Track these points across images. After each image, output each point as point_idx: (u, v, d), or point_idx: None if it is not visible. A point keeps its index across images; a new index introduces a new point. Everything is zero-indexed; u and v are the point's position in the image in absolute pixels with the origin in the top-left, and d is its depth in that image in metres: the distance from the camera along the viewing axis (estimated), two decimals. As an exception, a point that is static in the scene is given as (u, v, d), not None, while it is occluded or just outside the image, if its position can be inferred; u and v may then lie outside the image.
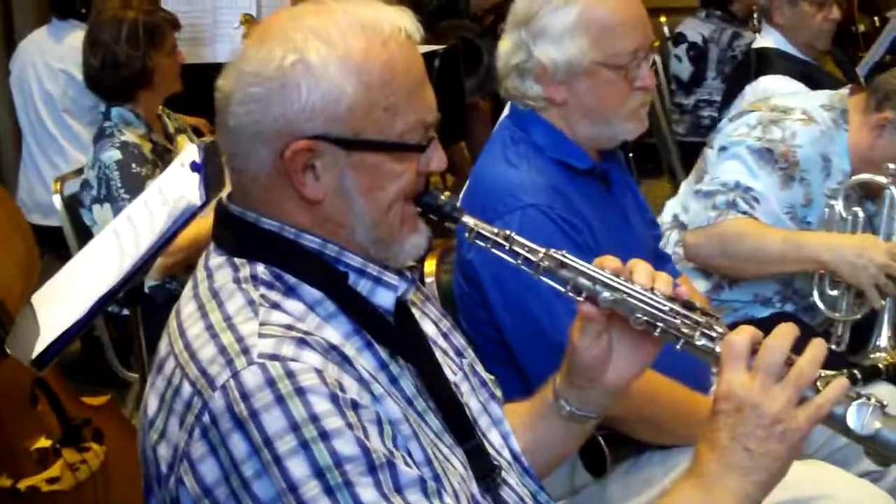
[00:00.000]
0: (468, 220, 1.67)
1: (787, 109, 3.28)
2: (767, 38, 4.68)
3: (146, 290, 3.73)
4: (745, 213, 3.11)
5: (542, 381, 1.93)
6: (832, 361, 2.89)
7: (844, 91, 3.38)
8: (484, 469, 1.71)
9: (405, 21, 1.64)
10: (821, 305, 3.19)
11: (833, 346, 3.16)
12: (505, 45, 2.55)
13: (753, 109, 3.39)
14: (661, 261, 2.74)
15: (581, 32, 2.43)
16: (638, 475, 2.51)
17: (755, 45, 4.77)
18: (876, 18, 7.23)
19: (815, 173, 3.24)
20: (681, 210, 3.46)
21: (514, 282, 2.34)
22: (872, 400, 1.56)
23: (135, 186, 3.70)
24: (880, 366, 3.03)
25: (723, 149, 3.29)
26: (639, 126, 2.55)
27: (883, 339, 3.09)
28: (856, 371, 2.80)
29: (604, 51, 2.44)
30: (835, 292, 3.18)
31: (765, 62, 4.59)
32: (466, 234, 1.68)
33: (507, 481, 1.76)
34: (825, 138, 3.26)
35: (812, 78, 4.47)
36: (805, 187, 3.24)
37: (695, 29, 5.55)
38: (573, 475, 2.52)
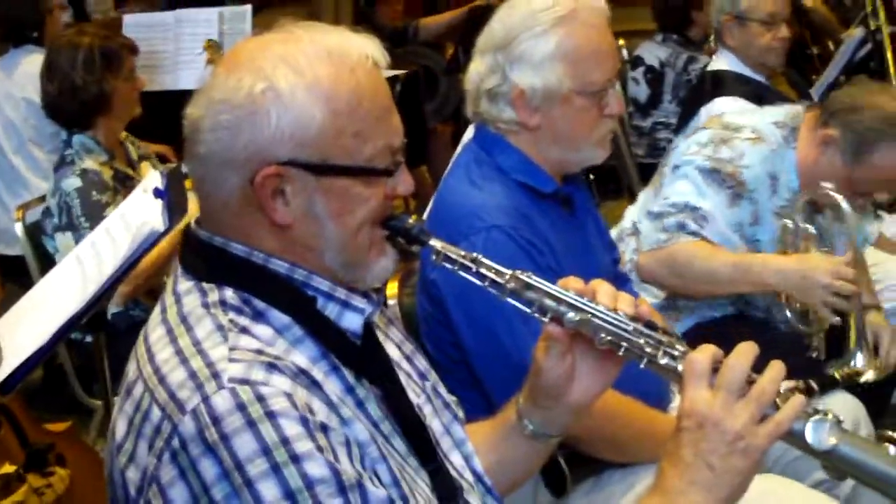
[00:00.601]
0: (435, 243, 1.69)
1: (738, 128, 3.32)
2: (722, 61, 4.73)
3: (108, 317, 3.71)
4: (693, 233, 3.16)
5: (505, 400, 1.95)
6: (812, 369, 2.96)
7: (800, 108, 3.42)
8: (446, 490, 1.72)
9: (372, 48, 1.66)
10: (791, 319, 3.24)
11: (813, 355, 3.23)
12: (478, 68, 2.56)
13: (707, 127, 3.44)
14: (619, 282, 2.77)
15: (560, 60, 2.46)
16: (599, 494, 2.53)
17: (710, 68, 4.83)
18: (829, 42, 7.33)
19: (763, 191, 3.29)
20: (640, 218, 3.51)
21: (477, 302, 2.35)
22: (830, 416, 1.58)
23: (95, 214, 3.69)
24: (837, 376, 3.09)
25: (675, 167, 3.34)
26: (605, 152, 2.60)
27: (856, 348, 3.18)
28: (812, 382, 2.84)
29: (581, 79, 2.47)
30: (798, 305, 3.23)
31: (719, 84, 4.64)
32: (434, 257, 1.69)
33: (468, 501, 1.77)
34: (774, 156, 3.29)
35: (765, 99, 4.52)
36: (753, 205, 3.28)
37: (651, 52, 5.60)
38: (536, 495, 2.54)
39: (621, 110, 2.61)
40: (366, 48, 1.65)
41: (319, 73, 1.60)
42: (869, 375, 3.20)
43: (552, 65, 2.46)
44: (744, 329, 3.28)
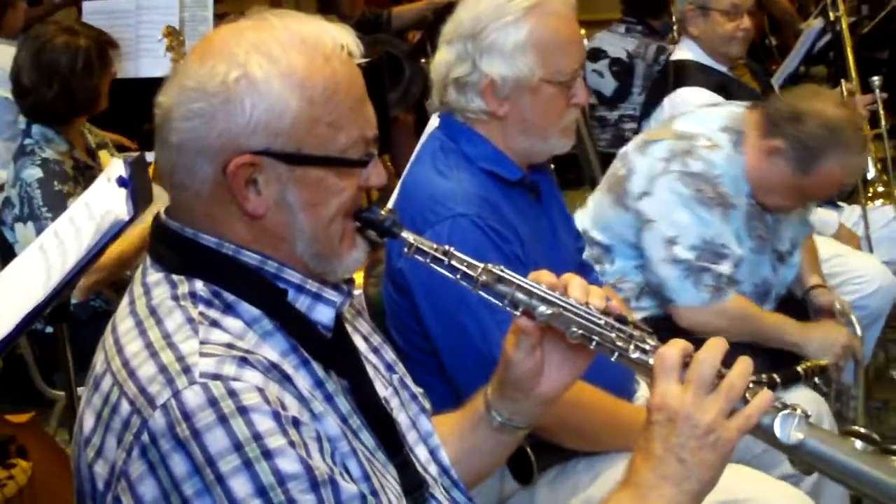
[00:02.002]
0: (407, 235, 1.69)
1: (692, 136, 3.33)
2: (684, 51, 4.75)
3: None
4: (728, 280, 3.28)
5: (472, 390, 1.96)
6: (775, 364, 3.04)
7: (741, 110, 3.43)
8: (412, 484, 1.72)
9: (346, 38, 1.65)
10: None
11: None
12: (445, 57, 2.56)
13: (657, 139, 3.43)
14: (584, 271, 2.78)
15: (531, 49, 2.47)
16: (565, 482, 2.54)
17: (673, 58, 4.85)
18: (789, 33, 7.38)
19: (740, 197, 3.32)
20: (592, 226, 3.50)
21: (444, 292, 2.36)
22: (798, 411, 1.60)
23: (57, 204, 3.68)
24: (799, 370, 3.13)
25: (646, 194, 3.34)
26: (570, 141, 2.61)
27: None
28: (775, 376, 2.88)
29: (551, 68, 2.49)
30: None
31: (682, 74, 4.67)
32: (405, 250, 1.68)
33: (433, 495, 1.77)
34: (731, 161, 3.32)
35: (728, 89, 4.56)
36: (739, 211, 3.32)
37: (615, 44, 5.59)
38: (502, 484, 2.55)
39: (587, 99, 2.63)
40: (340, 37, 1.64)
41: (294, 62, 1.59)
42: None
43: (523, 54, 2.47)
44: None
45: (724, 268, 3.27)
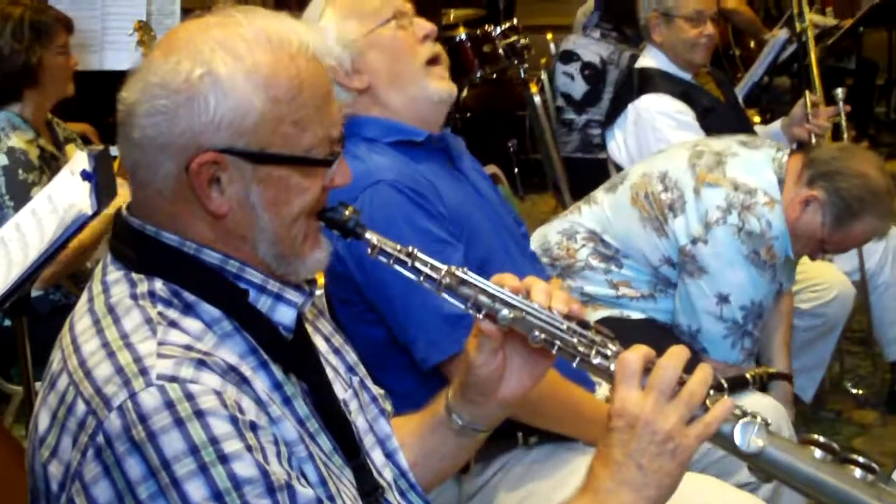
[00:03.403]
0: (371, 236, 1.68)
1: (752, 191, 3.32)
2: (649, 58, 4.76)
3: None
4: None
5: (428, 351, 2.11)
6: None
7: (784, 156, 3.41)
8: (367, 488, 1.71)
9: (312, 36, 1.64)
10: None
11: None
12: None
13: (714, 183, 3.38)
14: (530, 260, 2.79)
15: (344, 19, 2.54)
16: (523, 483, 2.55)
17: (637, 65, 4.86)
18: (752, 42, 7.44)
19: (783, 253, 3.36)
20: (605, 230, 3.52)
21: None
22: (758, 419, 1.61)
23: (21, 193, 3.66)
24: (747, 376, 3.17)
25: (701, 240, 3.34)
26: (445, 85, 2.64)
27: None
28: (723, 381, 2.91)
29: (366, 21, 2.55)
30: None
31: (646, 81, 4.67)
32: (369, 251, 1.68)
33: (388, 500, 1.77)
34: (783, 217, 3.33)
35: (691, 97, 4.57)
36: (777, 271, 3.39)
37: (589, 48, 5.58)
38: (461, 486, 2.56)
39: (434, 29, 2.65)
40: (306, 36, 1.63)
41: (259, 60, 1.57)
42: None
43: (340, 29, 2.54)
44: (654, 331, 3.38)
45: (759, 331, 3.36)
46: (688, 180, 3.41)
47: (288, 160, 1.60)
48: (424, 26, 2.61)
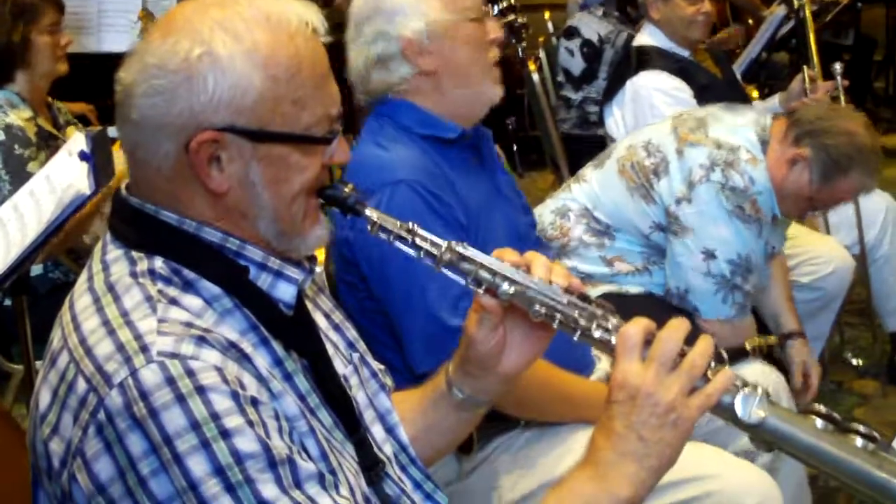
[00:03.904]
0: (371, 213, 1.68)
1: (734, 148, 3.34)
2: (646, 36, 4.76)
3: (28, 279, 3.66)
4: (750, 294, 3.38)
5: (419, 356, 2.08)
6: None
7: (767, 120, 3.44)
8: (368, 463, 1.72)
9: (311, 15, 1.64)
10: None
11: None
12: (357, 53, 2.62)
13: (696, 142, 3.41)
14: (538, 248, 2.79)
15: (437, 1, 2.55)
16: (524, 460, 2.56)
17: (635, 43, 4.85)
18: (750, 20, 7.41)
19: (768, 211, 3.37)
20: (595, 206, 3.53)
21: (391, 260, 2.39)
22: (759, 389, 1.61)
23: (18, 169, 3.67)
24: (748, 346, 3.18)
25: (685, 200, 3.35)
26: (499, 89, 2.68)
27: None
28: (723, 352, 2.92)
29: (457, 7, 2.56)
30: None
31: (644, 59, 4.68)
32: (369, 228, 1.68)
33: (388, 475, 1.77)
34: (767, 175, 3.34)
35: (689, 74, 4.58)
36: (765, 227, 3.38)
37: (590, 26, 5.57)
38: (461, 461, 2.56)
39: (501, 34, 2.71)
40: (305, 15, 1.63)
41: (258, 39, 1.57)
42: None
43: (431, 4, 2.55)
44: (653, 305, 3.37)
45: (749, 285, 3.35)
46: (670, 143, 3.44)
47: (287, 138, 1.60)
48: (497, 31, 2.67)
